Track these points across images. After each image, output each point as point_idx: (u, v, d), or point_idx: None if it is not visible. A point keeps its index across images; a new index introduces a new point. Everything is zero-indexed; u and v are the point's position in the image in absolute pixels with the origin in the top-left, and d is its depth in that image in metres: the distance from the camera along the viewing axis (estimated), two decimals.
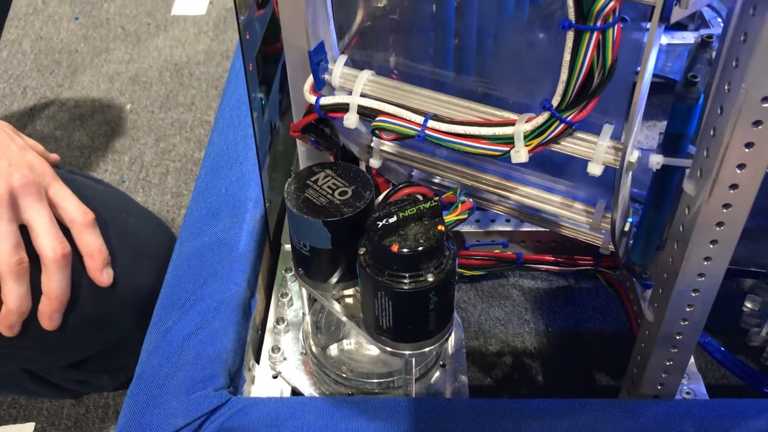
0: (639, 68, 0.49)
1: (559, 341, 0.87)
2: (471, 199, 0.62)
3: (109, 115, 1.27)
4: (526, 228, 0.84)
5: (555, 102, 0.48)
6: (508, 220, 0.85)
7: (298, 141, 0.73)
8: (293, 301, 0.75)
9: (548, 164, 0.63)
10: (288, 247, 0.81)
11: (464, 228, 0.85)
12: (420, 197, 0.64)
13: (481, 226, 0.85)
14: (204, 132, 1.23)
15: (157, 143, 1.21)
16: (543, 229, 0.84)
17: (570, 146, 0.51)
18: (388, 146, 0.69)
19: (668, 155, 0.58)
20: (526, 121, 0.51)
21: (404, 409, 0.58)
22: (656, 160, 0.57)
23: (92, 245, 0.66)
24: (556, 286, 0.93)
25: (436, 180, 0.75)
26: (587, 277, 0.90)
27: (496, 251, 0.84)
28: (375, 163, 0.70)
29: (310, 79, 0.60)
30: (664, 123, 0.65)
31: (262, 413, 0.57)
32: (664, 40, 1.10)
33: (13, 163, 0.64)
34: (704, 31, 1.06)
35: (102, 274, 0.67)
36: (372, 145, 0.70)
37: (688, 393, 0.66)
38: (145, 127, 1.24)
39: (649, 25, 0.47)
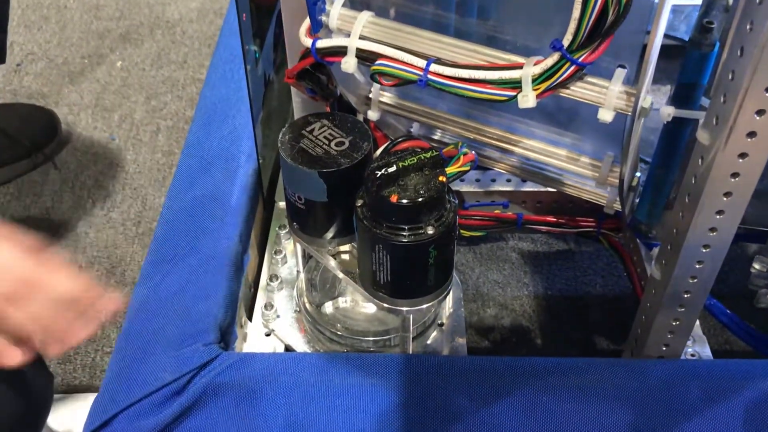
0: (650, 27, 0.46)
1: (559, 304, 0.85)
2: (473, 151, 0.60)
3: (99, 72, 1.23)
4: (528, 188, 0.82)
5: (566, 42, 0.46)
6: (509, 180, 0.82)
7: (293, 91, 0.70)
8: (287, 258, 0.73)
9: (554, 116, 0.60)
10: (282, 204, 0.79)
11: (464, 188, 0.83)
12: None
13: (481, 186, 0.82)
14: (196, 90, 1.19)
15: (148, 101, 1.17)
16: (545, 190, 0.82)
17: (580, 91, 0.49)
18: (387, 97, 0.67)
19: (680, 107, 0.56)
20: (535, 64, 0.48)
21: (402, 365, 0.56)
22: (667, 112, 0.55)
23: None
24: (555, 250, 0.91)
25: (436, 136, 0.73)
26: (589, 239, 0.87)
27: (496, 212, 0.81)
28: (373, 115, 0.67)
29: (307, 22, 0.57)
30: (668, 88, 0.63)
31: (255, 368, 0.55)
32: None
33: None
34: None
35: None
36: (370, 96, 0.67)
37: (692, 355, 0.64)
38: (136, 85, 1.20)
39: None
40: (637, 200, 0.68)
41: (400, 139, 0.65)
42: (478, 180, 0.82)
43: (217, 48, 0.94)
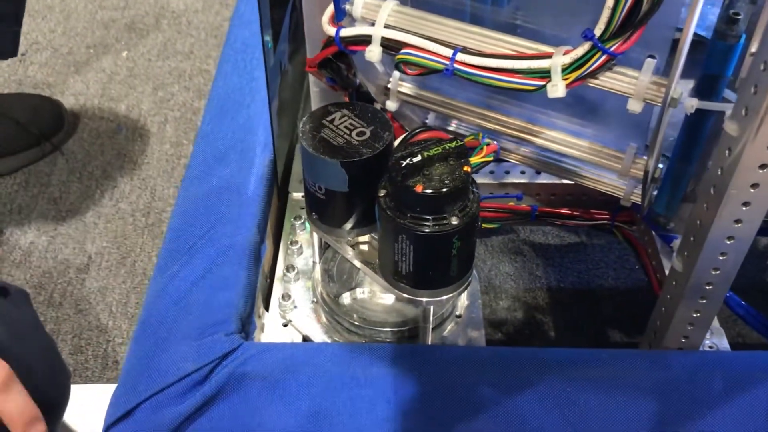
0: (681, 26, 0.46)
1: (571, 297, 0.85)
2: (495, 142, 0.60)
3: (104, 62, 1.23)
4: (542, 180, 0.82)
5: (597, 31, 0.46)
6: (523, 172, 0.82)
7: (311, 80, 0.70)
8: (303, 249, 0.72)
9: (576, 107, 0.60)
10: (296, 195, 0.78)
11: (478, 179, 0.82)
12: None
13: (496, 178, 0.82)
14: (203, 81, 1.19)
15: (155, 92, 1.17)
16: (559, 182, 0.82)
17: (609, 81, 0.49)
18: (406, 87, 0.66)
19: (702, 99, 0.56)
20: (564, 54, 0.48)
21: (425, 356, 0.56)
22: (691, 104, 0.55)
23: (8, 410, 0.52)
24: (567, 243, 0.91)
25: (451, 128, 0.73)
26: (602, 231, 0.88)
27: (510, 204, 0.81)
28: (392, 105, 0.67)
29: (330, 10, 0.56)
30: (683, 81, 0.63)
31: (277, 358, 0.55)
32: None
33: None
34: None
35: None
36: (389, 86, 0.67)
37: (710, 347, 0.64)
38: (142, 75, 1.20)
39: None
40: (655, 193, 0.68)
41: (418, 130, 0.65)
42: (492, 172, 0.82)
43: (228, 38, 0.93)
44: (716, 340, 0.65)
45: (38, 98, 1.10)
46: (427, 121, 0.74)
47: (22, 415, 0.51)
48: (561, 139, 0.61)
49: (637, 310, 0.82)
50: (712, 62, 0.56)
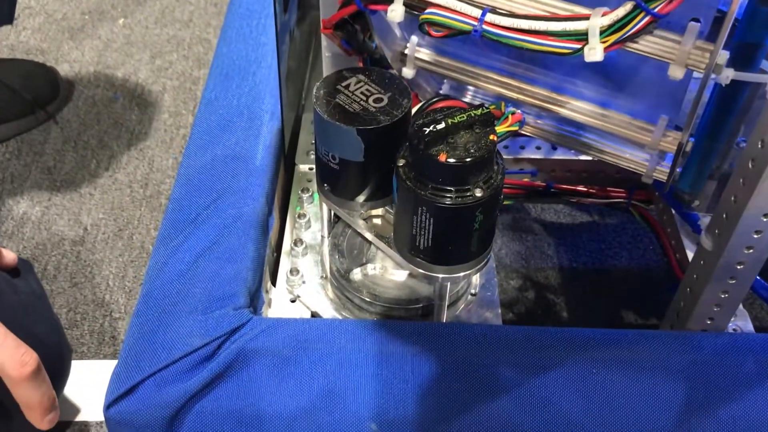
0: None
1: (584, 277, 0.83)
2: (520, 111, 0.57)
3: (100, 28, 1.18)
4: (558, 156, 0.79)
5: None
6: (538, 147, 0.80)
7: (323, 45, 0.66)
8: (311, 222, 0.70)
9: (605, 76, 0.57)
10: (303, 167, 0.75)
11: None
12: None
13: (510, 153, 0.79)
14: (203, 50, 1.15)
15: (152, 60, 1.13)
16: (575, 158, 0.79)
17: (649, 45, 0.46)
18: (424, 53, 0.63)
19: (738, 69, 0.53)
20: (603, 15, 0.45)
21: (443, 334, 0.53)
22: (726, 74, 0.52)
23: (31, 399, 0.52)
24: (579, 222, 0.88)
25: (466, 99, 0.70)
26: (617, 210, 0.85)
27: (525, 180, 0.79)
28: (408, 72, 0.64)
29: None
30: None
31: (289, 334, 0.52)
32: None
33: None
34: None
35: (43, 423, 0.54)
36: (406, 52, 0.63)
37: (734, 330, 0.62)
38: (140, 43, 1.16)
39: None
40: (679, 170, 0.66)
41: (434, 100, 0.62)
42: (506, 147, 0.79)
43: (231, 4, 0.90)
44: (740, 322, 0.62)
45: (32, 64, 1.06)
46: (440, 91, 0.72)
47: (42, 403, 0.50)
48: (587, 109, 0.58)
49: (651, 290, 0.80)
50: (750, 30, 0.53)
